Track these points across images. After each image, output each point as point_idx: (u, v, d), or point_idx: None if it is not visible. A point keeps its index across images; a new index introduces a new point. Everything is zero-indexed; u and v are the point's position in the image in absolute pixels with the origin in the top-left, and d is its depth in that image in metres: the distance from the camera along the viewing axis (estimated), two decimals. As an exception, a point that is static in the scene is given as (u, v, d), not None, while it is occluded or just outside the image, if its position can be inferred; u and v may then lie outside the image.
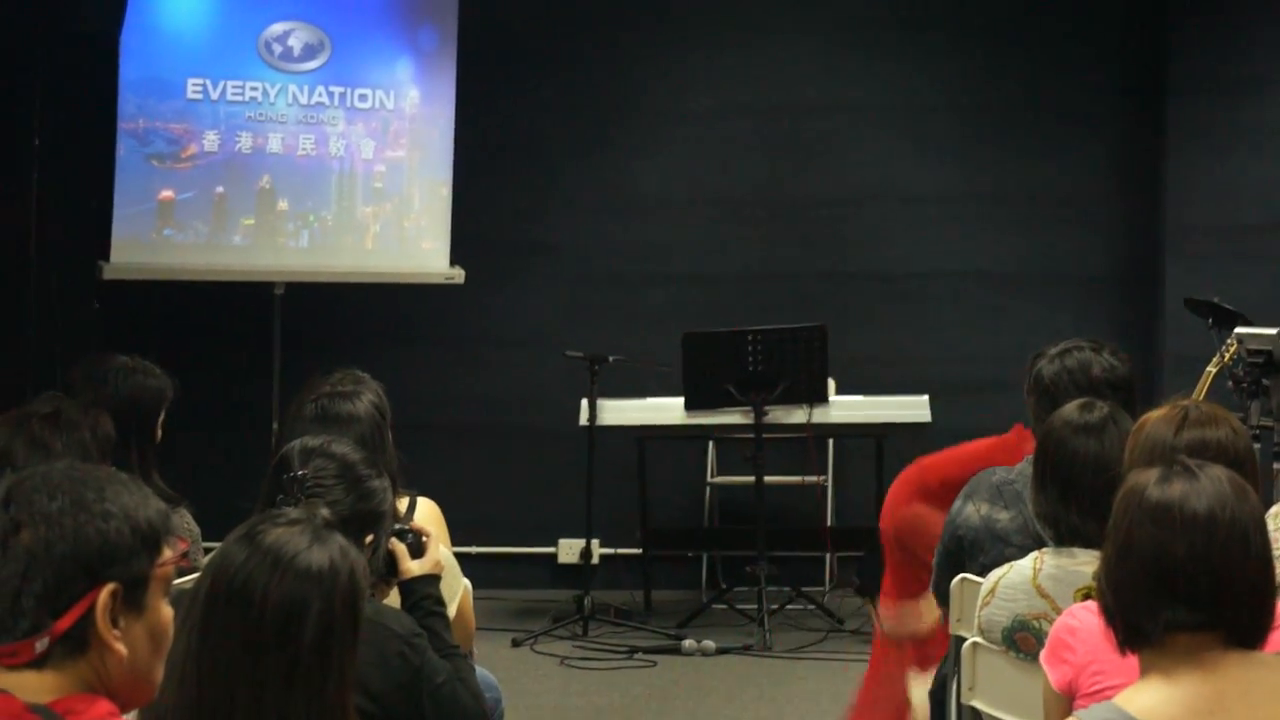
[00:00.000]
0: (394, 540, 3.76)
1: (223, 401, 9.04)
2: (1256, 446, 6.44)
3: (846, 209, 9.58)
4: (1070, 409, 4.06)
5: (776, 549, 8.72)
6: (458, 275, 9.11)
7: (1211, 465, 2.97)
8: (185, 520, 4.70)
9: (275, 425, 8.46)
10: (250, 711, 2.47)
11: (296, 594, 2.49)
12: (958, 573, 4.59)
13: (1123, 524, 2.91)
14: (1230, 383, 6.77)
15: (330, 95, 8.99)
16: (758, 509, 8.58)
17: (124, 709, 2.44)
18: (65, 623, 2.37)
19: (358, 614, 2.55)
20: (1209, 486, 2.87)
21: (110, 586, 2.38)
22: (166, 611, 2.46)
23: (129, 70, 8.65)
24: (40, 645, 2.36)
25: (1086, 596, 3.57)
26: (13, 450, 4.22)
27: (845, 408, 8.74)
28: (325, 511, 2.74)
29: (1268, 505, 4.26)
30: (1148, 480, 2.92)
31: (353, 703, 2.55)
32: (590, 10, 9.68)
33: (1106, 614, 2.91)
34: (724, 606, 8.96)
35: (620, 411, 8.81)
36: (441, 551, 3.94)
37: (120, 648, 2.40)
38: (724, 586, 9.26)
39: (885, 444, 8.73)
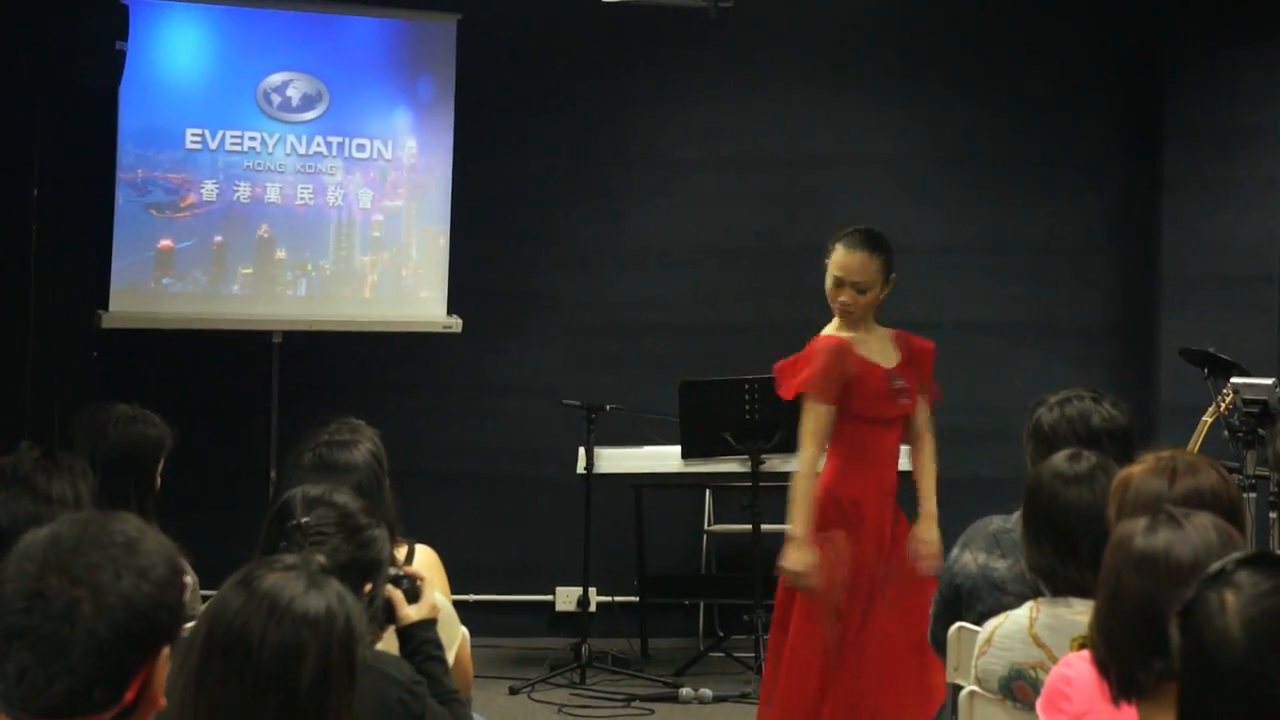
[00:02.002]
0: (389, 587, 3.77)
1: (220, 450, 9.04)
2: (1252, 496, 6.48)
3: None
4: (1058, 460, 4.05)
5: (773, 597, 8.70)
6: (455, 324, 9.13)
7: (1197, 513, 2.98)
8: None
9: (273, 474, 8.46)
10: None
11: (293, 639, 2.50)
12: (954, 621, 4.60)
13: (1111, 575, 2.92)
14: (1226, 433, 6.79)
15: (328, 145, 9.02)
16: (755, 557, 8.57)
17: None
18: (133, 693, 2.39)
19: (354, 659, 2.55)
20: (1194, 535, 2.89)
21: (165, 650, 2.41)
22: None
23: (128, 120, 8.68)
24: (109, 717, 2.38)
25: (1082, 646, 3.57)
26: (17, 507, 4.20)
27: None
28: (321, 558, 2.75)
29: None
30: (1134, 530, 2.94)
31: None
32: (588, 60, 9.72)
33: (1100, 665, 2.92)
34: (721, 654, 8.95)
35: (617, 460, 8.83)
36: (439, 599, 3.96)
37: (163, 701, 2.43)
38: (721, 634, 9.26)
39: (881, 493, 8.72)
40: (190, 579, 4.72)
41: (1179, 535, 2.89)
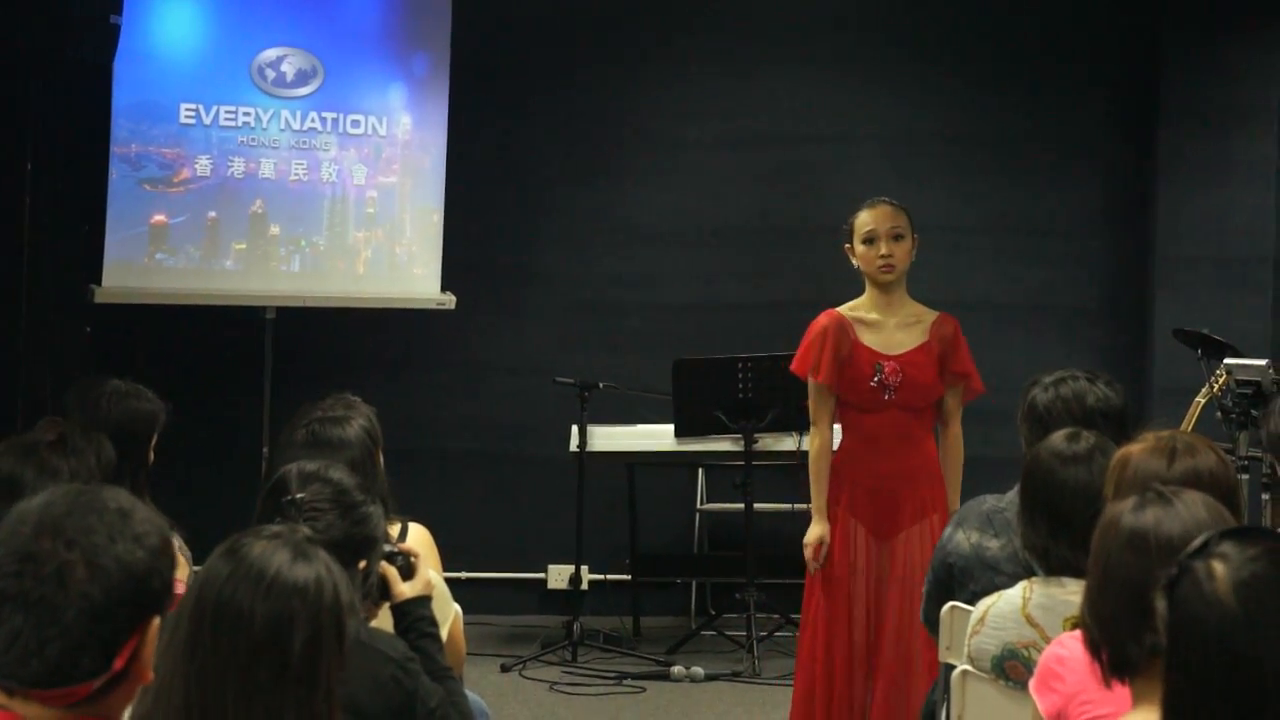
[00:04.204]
0: (384, 564, 3.77)
1: (213, 426, 9.04)
2: (1245, 477, 6.48)
3: (838, 238, 9.56)
4: (1057, 439, 4.05)
5: (765, 576, 8.71)
6: (449, 301, 9.12)
7: (1186, 490, 3.00)
8: (177, 545, 4.70)
9: (265, 450, 8.46)
10: None
11: (283, 609, 2.50)
12: (948, 600, 4.60)
13: (1101, 554, 2.93)
14: (1219, 413, 6.79)
15: (323, 121, 9.01)
16: (747, 536, 8.59)
17: None
18: (121, 661, 2.38)
19: (343, 627, 2.55)
20: (1183, 511, 2.90)
21: (156, 621, 2.41)
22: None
23: (122, 95, 8.65)
24: (98, 684, 2.38)
25: (1075, 625, 3.57)
26: (21, 477, 4.21)
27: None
28: (305, 529, 2.75)
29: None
30: (1122, 510, 2.95)
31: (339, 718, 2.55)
32: (583, 38, 9.70)
33: (1091, 646, 2.92)
34: (713, 633, 8.96)
35: (610, 438, 8.83)
36: (432, 576, 3.96)
37: (151, 674, 2.42)
38: (713, 613, 9.27)
39: (874, 472, 8.74)
40: (184, 553, 4.73)
41: (1168, 512, 2.90)
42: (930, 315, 6.31)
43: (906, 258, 6.27)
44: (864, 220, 6.25)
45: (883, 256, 6.20)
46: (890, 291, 6.24)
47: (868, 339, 6.20)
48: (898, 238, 6.23)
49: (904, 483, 6.16)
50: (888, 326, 6.23)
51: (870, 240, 6.23)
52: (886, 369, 6.15)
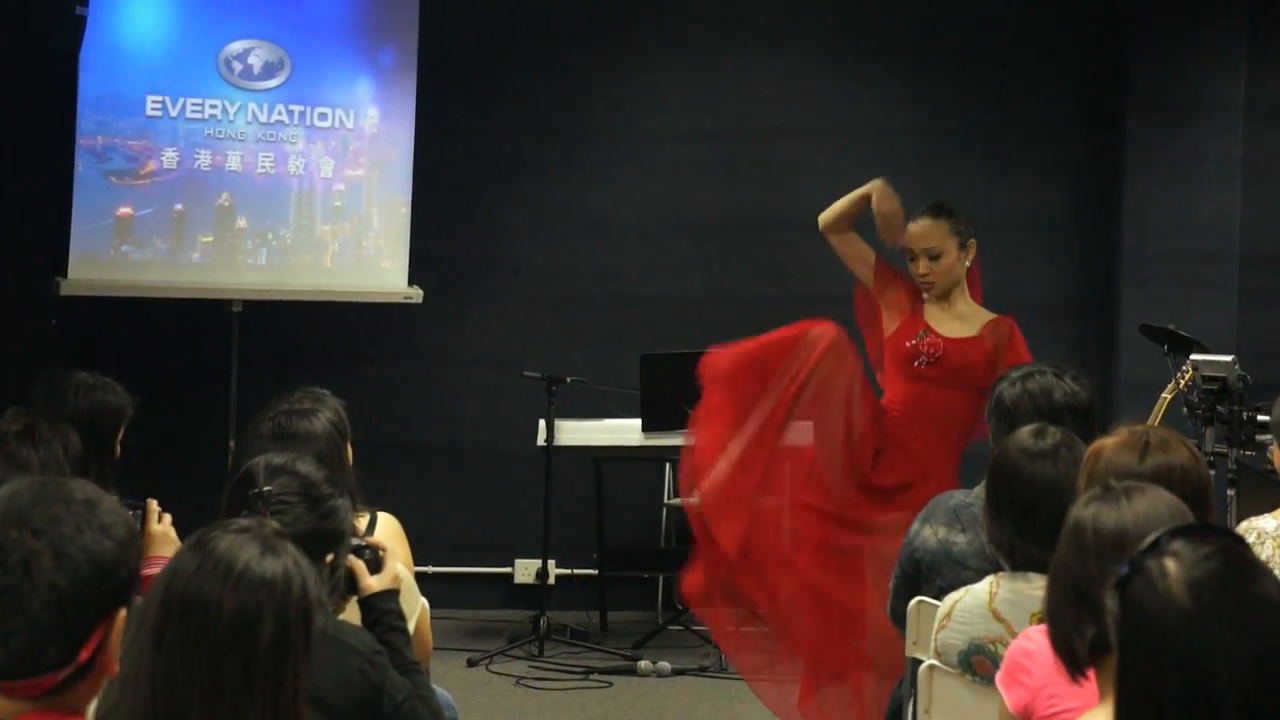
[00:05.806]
0: (351, 557, 3.76)
1: (180, 419, 9.00)
2: (1211, 473, 6.51)
3: (805, 232, 9.53)
4: (1023, 435, 4.06)
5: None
6: (416, 295, 9.10)
7: (1150, 487, 3.01)
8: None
9: (232, 443, 8.44)
10: (207, 717, 2.45)
11: (250, 603, 2.49)
12: (915, 595, 4.61)
13: (1057, 550, 2.96)
14: (1185, 409, 6.81)
15: (290, 114, 8.97)
16: (714, 531, 8.58)
17: None
18: (87, 653, 2.37)
19: (311, 622, 2.54)
20: (1131, 507, 2.92)
21: (122, 613, 2.40)
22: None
23: (88, 87, 8.61)
24: (63, 675, 2.37)
25: (1041, 620, 3.59)
26: None
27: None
28: (274, 523, 2.74)
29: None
30: (1077, 505, 2.98)
31: (307, 713, 2.54)
32: (551, 31, 9.69)
33: (1053, 643, 2.94)
34: (680, 628, 8.96)
35: (577, 432, 8.82)
36: (400, 570, 3.95)
37: (117, 667, 2.41)
38: (680, 608, 9.26)
39: (841, 466, 8.73)
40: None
41: (1114, 508, 2.93)
42: (987, 315, 6.35)
43: (946, 273, 6.27)
44: (908, 235, 6.32)
45: (920, 275, 6.23)
46: (941, 300, 6.27)
47: (928, 312, 6.26)
48: (934, 256, 6.22)
49: (908, 472, 6.15)
50: (946, 316, 6.27)
51: (911, 257, 6.27)
52: (929, 339, 6.18)
